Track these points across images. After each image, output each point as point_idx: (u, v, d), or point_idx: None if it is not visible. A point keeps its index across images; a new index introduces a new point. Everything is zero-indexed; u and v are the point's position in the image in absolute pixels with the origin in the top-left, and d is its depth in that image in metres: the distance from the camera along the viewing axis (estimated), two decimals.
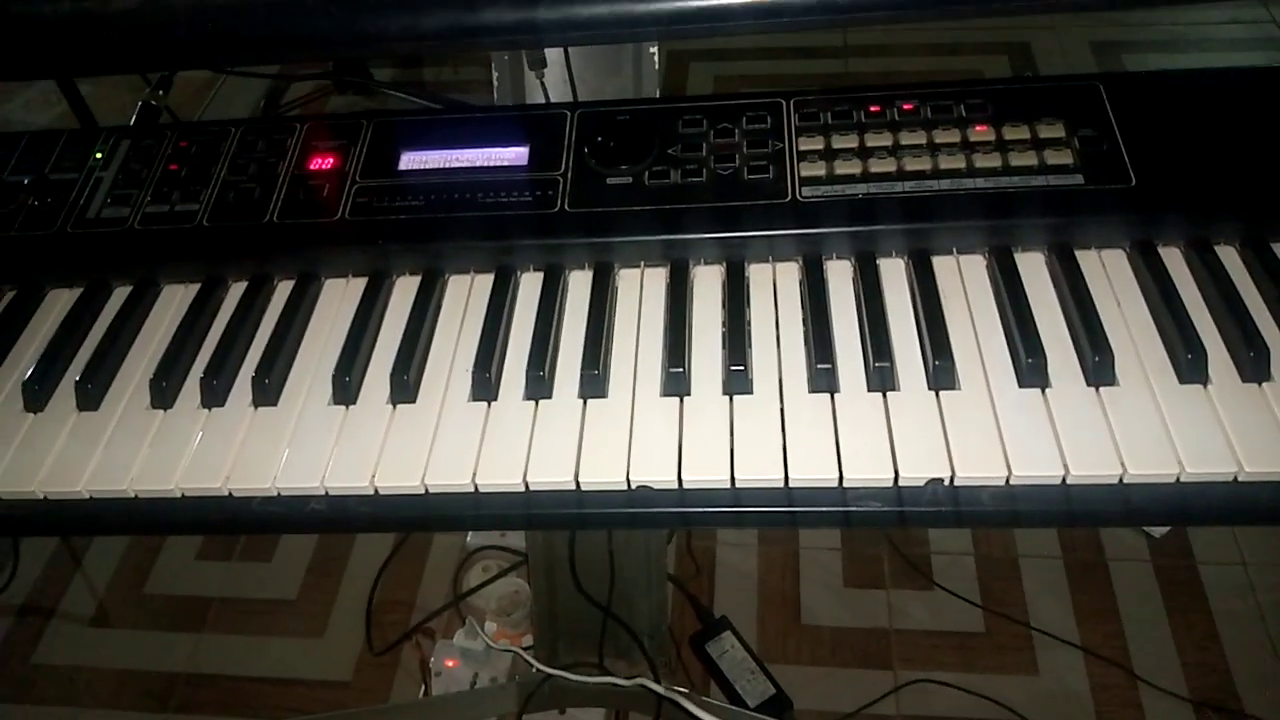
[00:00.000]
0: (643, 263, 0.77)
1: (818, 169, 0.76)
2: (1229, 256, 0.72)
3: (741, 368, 0.68)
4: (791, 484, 0.62)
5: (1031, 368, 0.65)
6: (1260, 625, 1.55)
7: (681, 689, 1.32)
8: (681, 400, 0.68)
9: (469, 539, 1.71)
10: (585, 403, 0.68)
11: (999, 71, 2.59)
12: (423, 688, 1.51)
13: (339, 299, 0.79)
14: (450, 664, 1.48)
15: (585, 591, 1.27)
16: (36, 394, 0.74)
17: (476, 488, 0.65)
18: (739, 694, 1.48)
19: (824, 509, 0.62)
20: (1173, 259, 0.72)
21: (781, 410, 0.66)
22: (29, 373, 0.75)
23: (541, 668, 1.31)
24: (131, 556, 1.81)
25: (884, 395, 0.66)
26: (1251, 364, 0.64)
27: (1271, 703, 1.46)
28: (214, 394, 0.72)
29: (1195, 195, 0.72)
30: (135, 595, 1.75)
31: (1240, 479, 0.60)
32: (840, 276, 0.74)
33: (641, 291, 0.76)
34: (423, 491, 0.65)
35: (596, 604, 1.28)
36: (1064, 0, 0.65)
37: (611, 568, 1.26)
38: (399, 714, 1.51)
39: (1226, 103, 0.76)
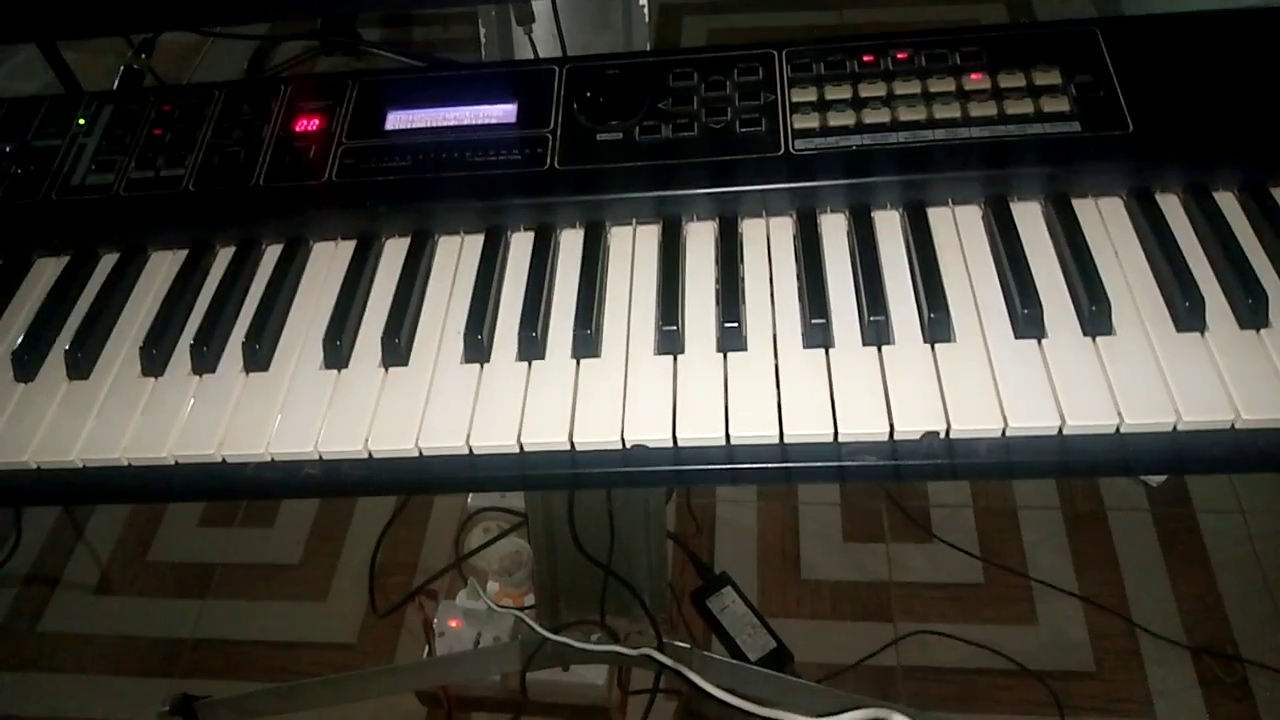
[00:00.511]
0: (635, 220, 0.76)
1: (811, 121, 0.74)
2: (1228, 203, 0.71)
3: (735, 324, 0.67)
4: (787, 440, 0.62)
5: (1028, 318, 0.65)
6: (1258, 572, 1.56)
7: (683, 644, 1.33)
8: (675, 358, 0.67)
9: (469, 500, 1.71)
10: (578, 362, 0.68)
11: (996, 19, 2.55)
12: (427, 648, 1.52)
13: (328, 262, 0.78)
14: (454, 624, 1.49)
15: (585, 550, 1.28)
16: (26, 364, 0.73)
17: (471, 450, 0.64)
18: (740, 648, 1.50)
19: (819, 464, 0.62)
20: (1170, 206, 0.71)
21: (776, 366, 0.65)
22: (18, 342, 0.74)
23: (543, 632, 1.32)
24: (134, 524, 1.81)
25: (879, 349, 0.65)
26: (1249, 310, 0.64)
27: (1269, 648, 1.47)
28: (205, 360, 0.71)
29: (1194, 141, 0.71)
30: (139, 562, 1.76)
31: (1238, 426, 0.59)
32: (835, 230, 0.74)
33: (634, 249, 0.75)
34: (417, 454, 0.65)
35: (597, 562, 1.29)
36: None
37: (611, 526, 1.26)
38: (404, 674, 1.52)
39: (1226, 46, 0.75)
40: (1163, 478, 1.66)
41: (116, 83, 0.95)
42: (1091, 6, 2.57)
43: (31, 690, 1.60)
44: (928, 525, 1.66)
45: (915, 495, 1.70)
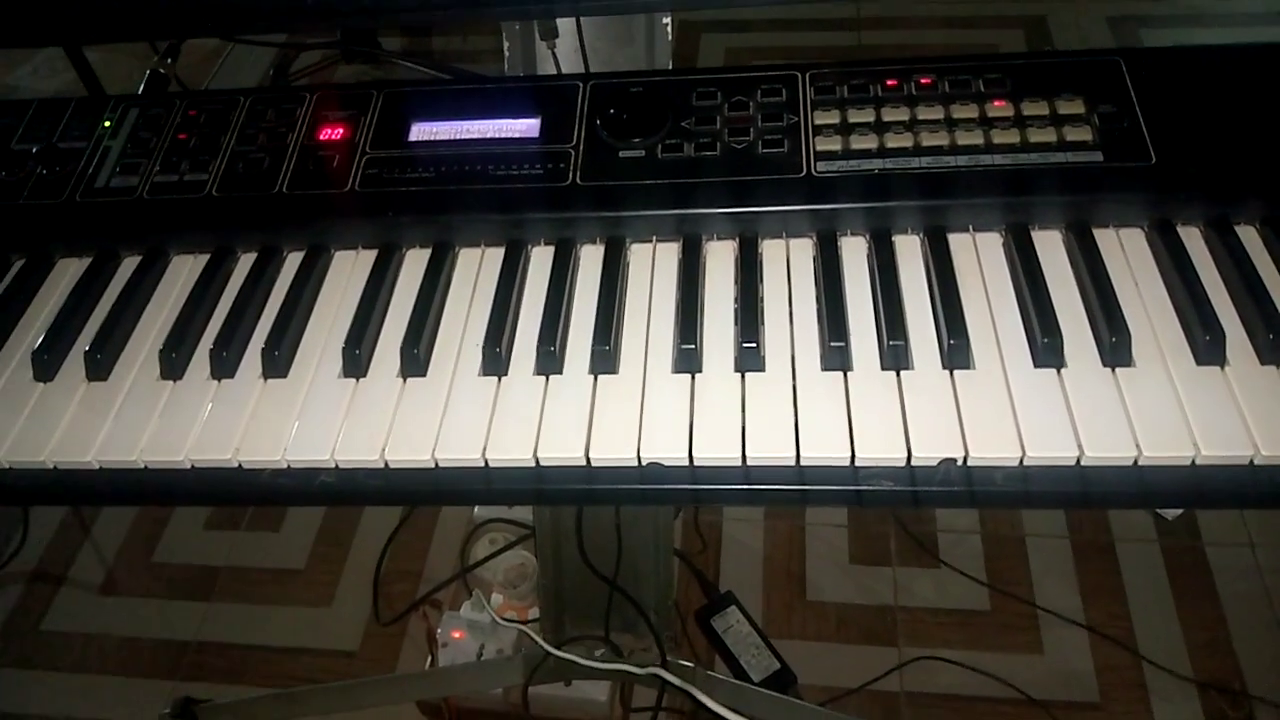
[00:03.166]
0: (655, 237, 0.77)
1: (833, 143, 0.75)
2: (1249, 237, 0.71)
3: (754, 344, 0.67)
4: (803, 462, 0.62)
5: (1047, 347, 0.65)
6: (1267, 607, 1.55)
7: (686, 663, 1.33)
8: (693, 377, 0.67)
9: (476, 511, 1.71)
10: (596, 378, 0.68)
11: (1015, 45, 2.56)
12: (429, 659, 1.51)
13: (349, 271, 0.78)
14: (457, 635, 1.49)
15: (592, 565, 1.28)
16: (46, 364, 0.74)
17: (486, 462, 0.64)
18: (744, 668, 1.49)
19: (836, 488, 0.62)
20: (1192, 238, 0.71)
21: (794, 388, 0.65)
22: (38, 342, 0.75)
23: (547, 648, 1.32)
24: (140, 525, 1.81)
25: (898, 374, 0.65)
26: (1270, 346, 0.63)
27: (1277, 684, 1.46)
28: (224, 365, 0.72)
29: (1216, 174, 0.71)
30: (144, 563, 1.76)
31: (1256, 462, 0.59)
32: (855, 253, 0.74)
33: (653, 266, 0.75)
34: (433, 465, 0.65)
35: (603, 577, 1.28)
36: None
37: (619, 541, 1.26)
38: (405, 684, 1.52)
39: (1250, 80, 0.75)
40: (1179, 511, 1.65)
41: (142, 86, 0.96)
42: (1110, 34, 2.57)
43: (33, 689, 1.60)
44: (935, 550, 1.65)
45: (923, 520, 1.69)
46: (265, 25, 0.77)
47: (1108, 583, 1.60)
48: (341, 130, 0.81)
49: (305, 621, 1.66)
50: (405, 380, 0.70)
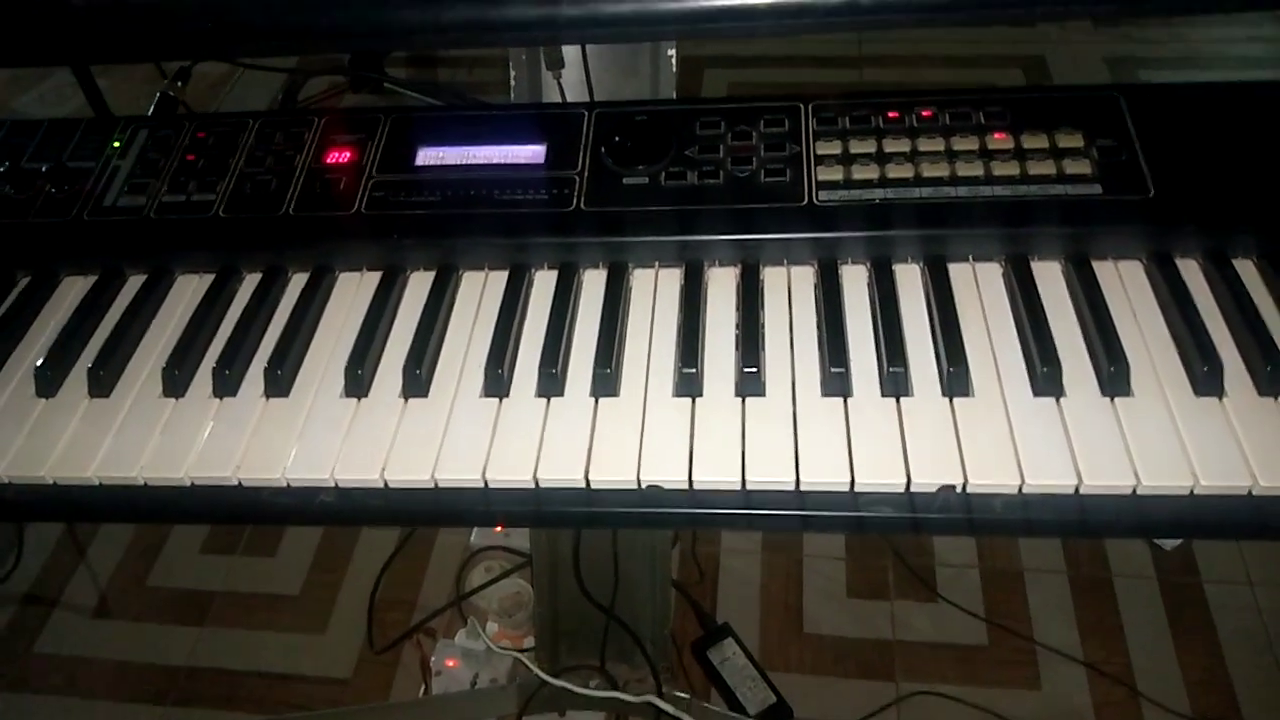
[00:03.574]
0: (657, 263, 0.77)
1: (835, 173, 0.76)
2: (1246, 270, 0.72)
3: (755, 370, 0.68)
4: (803, 488, 0.62)
5: (1046, 376, 0.65)
6: (1266, 644, 1.54)
7: (682, 694, 1.32)
8: (694, 401, 0.67)
9: (472, 539, 1.71)
10: (597, 401, 0.68)
11: (1013, 83, 2.59)
12: (423, 687, 1.50)
13: (353, 292, 0.79)
14: (451, 664, 1.48)
15: (589, 594, 1.27)
16: (49, 380, 0.74)
17: (486, 483, 0.65)
18: (739, 701, 1.48)
19: (835, 514, 0.62)
20: (1190, 271, 0.72)
21: (794, 413, 0.66)
22: (42, 358, 0.75)
23: (542, 675, 1.31)
24: (135, 548, 1.81)
25: (897, 401, 0.66)
26: (1268, 377, 0.64)
27: None
28: (226, 384, 0.72)
29: (1214, 208, 0.72)
30: (138, 587, 1.75)
31: (1255, 493, 0.59)
32: (855, 281, 0.74)
33: (655, 292, 0.76)
34: (433, 486, 0.65)
35: (599, 606, 1.28)
36: (1085, 6, 0.64)
37: (615, 570, 1.25)
38: (398, 712, 1.51)
39: (1246, 115, 0.76)
40: (1177, 541, 1.64)
41: (152, 108, 0.97)
42: (1108, 74, 2.60)
43: (24, 712, 1.59)
44: (933, 584, 1.65)
45: (920, 553, 1.69)
46: (273, 48, 0.77)
47: (1106, 619, 1.59)
48: (349, 154, 0.82)
49: (299, 648, 1.65)
50: (407, 400, 0.70)
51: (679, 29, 0.67)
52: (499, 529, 1.64)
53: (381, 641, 1.63)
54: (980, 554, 1.69)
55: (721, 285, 0.75)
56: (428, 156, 0.81)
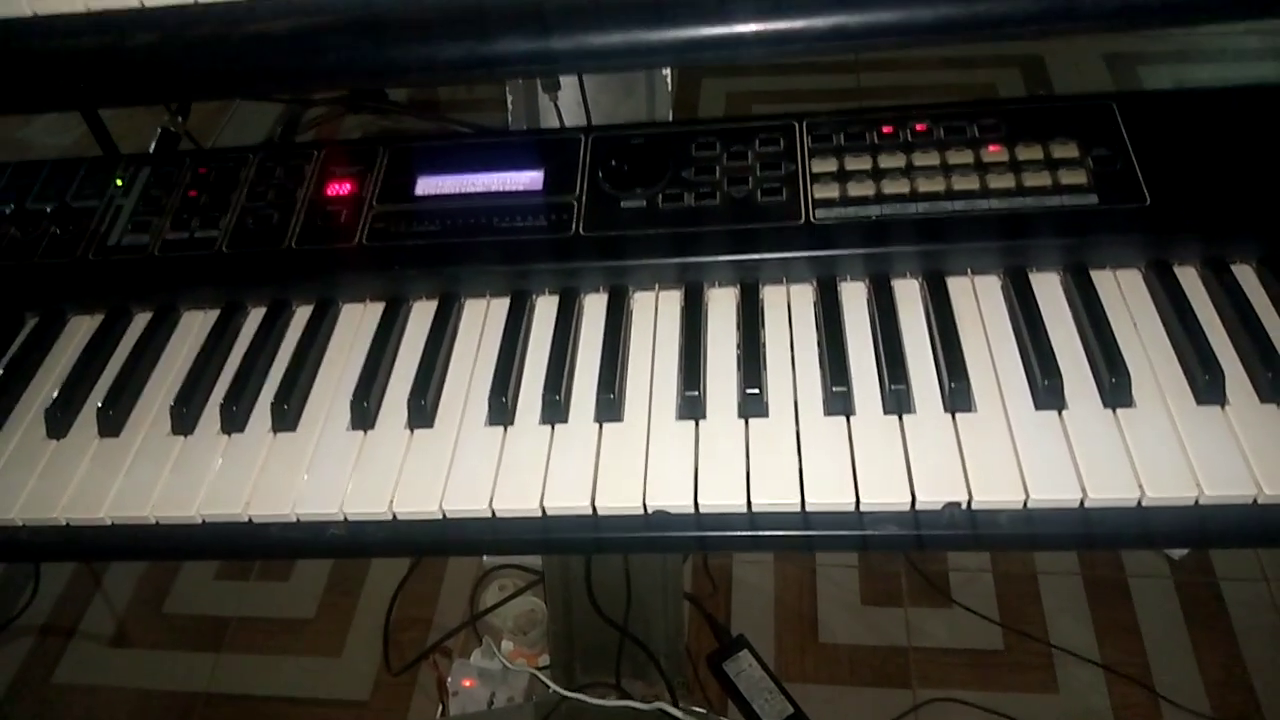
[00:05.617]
0: (657, 285, 0.78)
1: (831, 191, 0.76)
2: (1245, 276, 0.72)
3: (757, 391, 0.68)
4: (808, 508, 0.62)
5: (1048, 389, 0.65)
6: None
7: (699, 709, 1.32)
8: (697, 424, 0.68)
9: (486, 558, 1.71)
10: (601, 427, 0.69)
11: (1012, 84, 2.59)
12: (440, 708, 1.50)
13: (356, 324, 0.79)
14: (467, 683, 1.48)
15: (602, 611, 1.27)
16: (58, 421, 0.75)
17: (493, 513, 0.65)
18: (757, 713, 1.48)
19: (841, 533, 0.62)
20: (1189, 278, 0.72)
21: (797, 433, 0.66)
22: (51, 400, 0.76)
23: (559, 689, 1.31)
24: (150, 576, 1.81)
25: (900, 418, 0.66)
26: (1270, 384, 0.64)
27: None
28: (234, 420, 0.73)
29: (1211, 214, 0.72)
30: (154, 615, 1.76)
31: (1260, 501, 0.59)
32: (855, 298, 0.75)
33: (656, 314, 0.76)
34: (440, 517, 0.66)
35: (613, 623, 1.28)
36: (1078, 25, 0.65)
37: (628, 587, 1.25)
38: None
39: (1241, 120, 0.76)
40: (1185, 551, 1.64)
41: (153, 145, 0.98)
42: (1106, 72, 2.60)
43: None
44: (947, 590, 1.64)
45: (934, 559, 1.68)
46: (274, 88, 0.78)
47: (1122, 620, 1.58)
48: (349, 185, 0.82)
49: (316, 671, 1.65)
50: (412, 432, 0.70)
51: (669, 58, 0.68)
52: None
53: (398, 662, 1.64)
54: (994, 558, 1.68)
55: (721, 306, 0.76)
56: (427, 186, 0.82)
